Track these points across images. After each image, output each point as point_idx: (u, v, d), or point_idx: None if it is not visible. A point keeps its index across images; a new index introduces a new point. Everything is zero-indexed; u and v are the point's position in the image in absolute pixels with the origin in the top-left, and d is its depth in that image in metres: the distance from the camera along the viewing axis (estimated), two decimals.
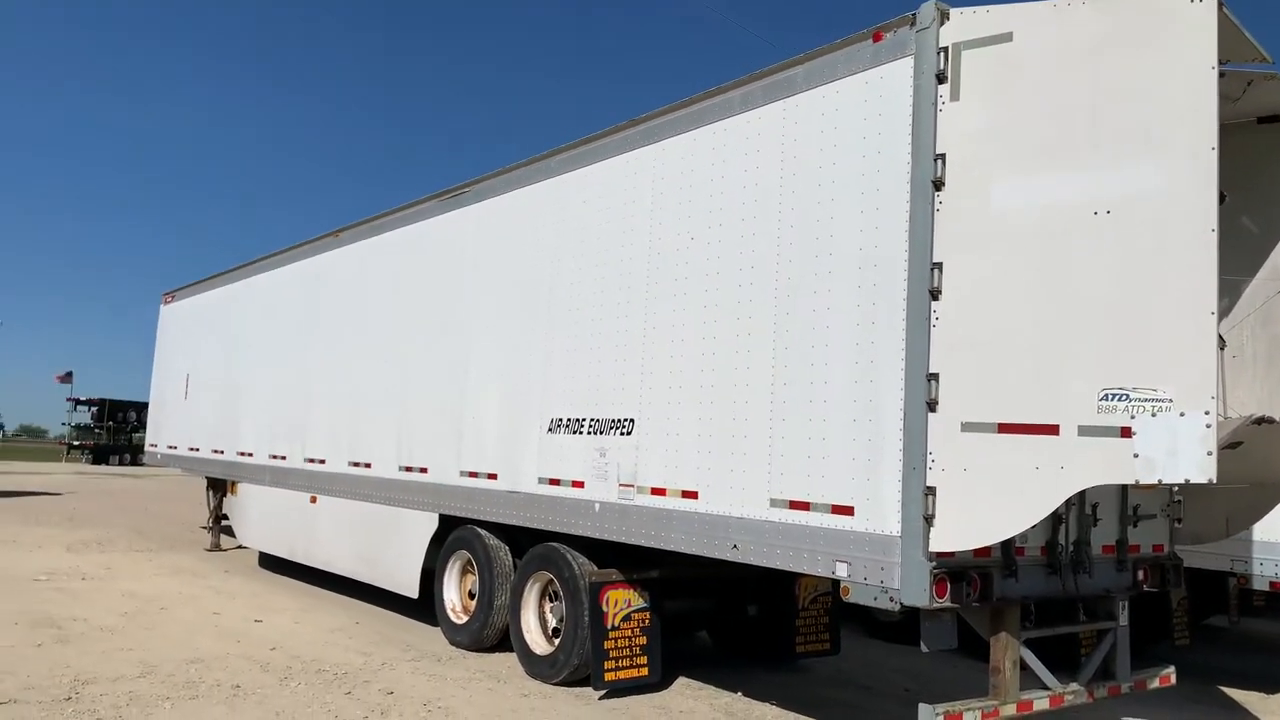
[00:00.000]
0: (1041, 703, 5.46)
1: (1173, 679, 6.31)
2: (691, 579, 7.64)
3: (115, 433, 52.82)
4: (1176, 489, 6.50)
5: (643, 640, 7.30)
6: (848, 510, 5.35)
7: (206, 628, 8.80)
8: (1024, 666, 5.45)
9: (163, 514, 20.40)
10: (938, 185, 5.12)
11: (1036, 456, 4.68)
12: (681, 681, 7.63)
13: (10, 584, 10.54)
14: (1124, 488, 6.11)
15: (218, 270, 15.00)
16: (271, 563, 13.09)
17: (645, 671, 7.28)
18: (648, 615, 7.35)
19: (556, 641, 7.63)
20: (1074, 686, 5.66)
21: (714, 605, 8.33)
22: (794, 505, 5.66)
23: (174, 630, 8.59)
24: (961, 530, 4.89)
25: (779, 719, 6.83)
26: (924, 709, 5.01)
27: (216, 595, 10.58)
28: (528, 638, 7.76)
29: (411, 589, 9.12)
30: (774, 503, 5.78)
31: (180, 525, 18.14)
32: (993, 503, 4.83)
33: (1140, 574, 6.24)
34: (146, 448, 17.41)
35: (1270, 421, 5.93)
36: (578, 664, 7.23)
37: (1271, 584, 7.94)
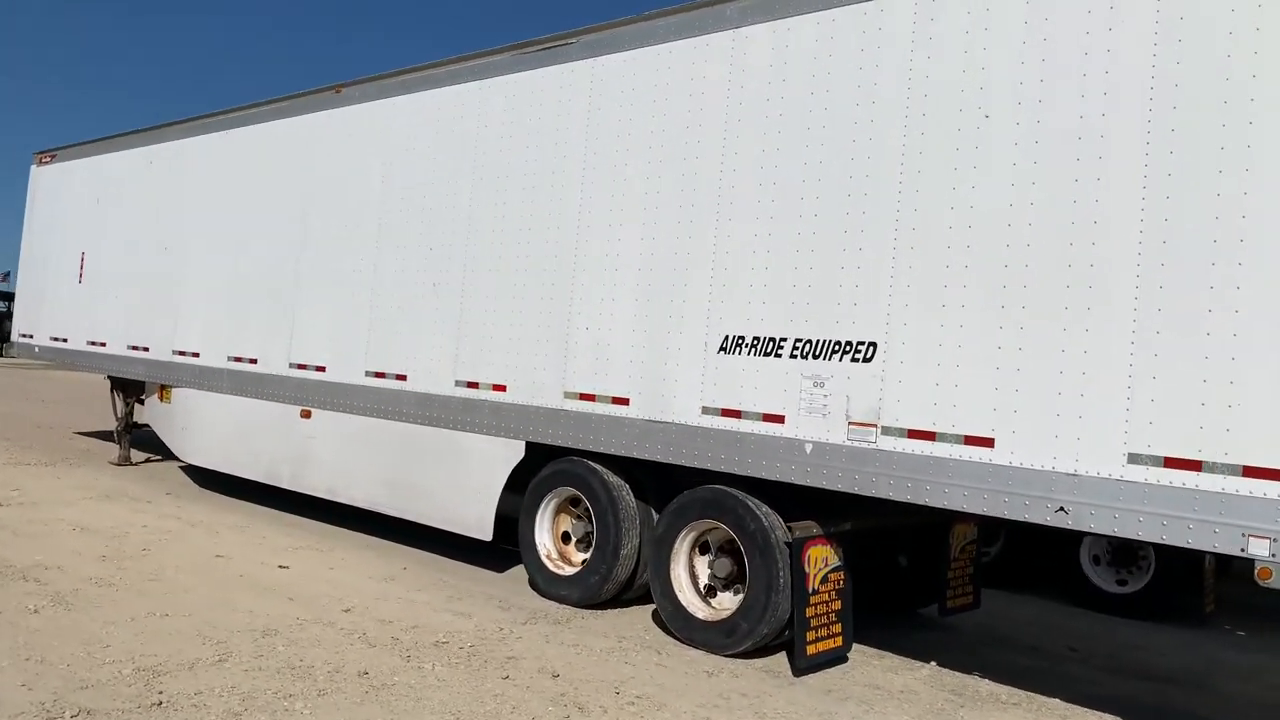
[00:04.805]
0: None
1: None
2: (862, 530, 6.49)
3: None
4: None
5: (838, 605, 6.11)
6: (1273, 474, 4.27)
7: (229, 579, 6.91)
8: None
9: (13, 415, 17.28)
10: None
11: None
12: (858, 649, 6.51)
13: None
14: None
15: (123, 127, 12.31)
16: (208, 478, 10.97)
17: (839, 642, 6.11)
18: (842, 575, 6.15)
19: (718, 603, 6.33)
20: None
21: (866, 557, 7.22)
22: (1172, 463, 4.53)
23: (192, 583, 6.68)
24: None
25: (1010, 696, 5.84)
26: None
27: (192, 529, 8.55)
28: (681, 597, 6.39)
29: (483, 530, 7.50)
30: (1135, 458, 4.63)
31: (51, 430, 15.36)
32: None
33: None
34: (16, 338, 14.43)
35: None
36: (766, 633, 5.96)
37: None
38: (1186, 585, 8.42)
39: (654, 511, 6.94)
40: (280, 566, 7.41)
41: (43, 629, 5.37)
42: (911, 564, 7.39)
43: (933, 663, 6.38)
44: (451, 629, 6.10)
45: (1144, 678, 6.63)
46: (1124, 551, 8.67)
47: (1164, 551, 8.29)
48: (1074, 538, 8.70)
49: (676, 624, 6.36)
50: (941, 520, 7.03)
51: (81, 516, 8.63)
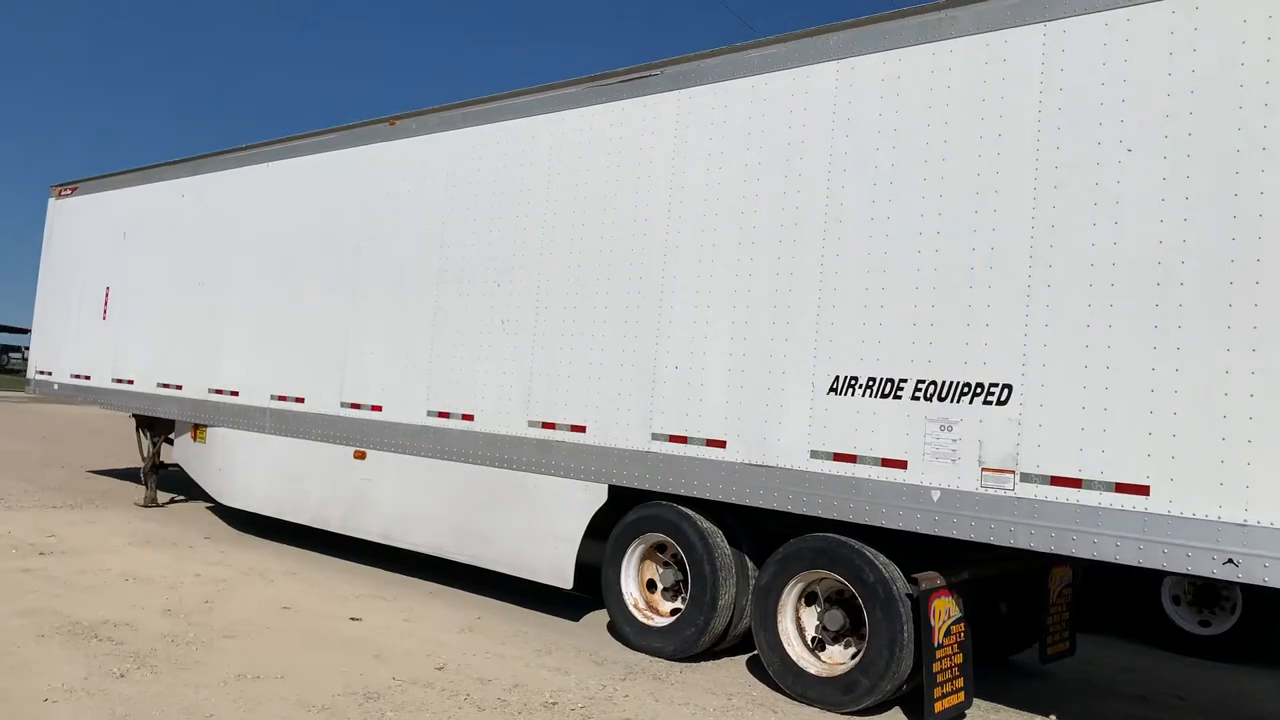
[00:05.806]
0: None
1: None
2: (977, 579, 6.23)
3: None
4: None
5: (959, 658, 5.84)
6: None
7: (306, 634, 6.57)
8: None
9: (19, 453, 16.79)
10: None
11: None
12: (974, 703, 6.22)
13: None
14: None
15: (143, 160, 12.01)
16: (241, 520, 10.62)
17: (962, 697, 5.84)
18: (963, 627, 5.89)
19: (828, 657, 6.05)
20: None
21: (972, 605, 6.96)
22: None
23: (270, 640, 6.33)
24: None
25: None
26: None
27: (246, 577, 8.19)
28: (790, 651, 6.09)
29: (563, 579, 7.19)
30: None
31: (63, 469, 14.88)
32: None
33: None
34: (34, 375, 14.01)
35: None
36: (888, 689, 5.68)
37: None
38: (1273, 627, 8.20)
39: (748, 559, 6.67)
40: (353, 619, 7.06)
41: (136, 697, 5.02)
42: (1011, 610, 7.13)
43: (1053, 716, 6.12)
44: (555, 688, 5.78)
45: None
46: (1206, 591, 8.45)
47: (1250, 592, 8.08)
48: (1154, 577, 8.48)
49: (786, 680, 6.06)
50: (1040, 565, 6.79)
51: (129, 565, 8.25)
